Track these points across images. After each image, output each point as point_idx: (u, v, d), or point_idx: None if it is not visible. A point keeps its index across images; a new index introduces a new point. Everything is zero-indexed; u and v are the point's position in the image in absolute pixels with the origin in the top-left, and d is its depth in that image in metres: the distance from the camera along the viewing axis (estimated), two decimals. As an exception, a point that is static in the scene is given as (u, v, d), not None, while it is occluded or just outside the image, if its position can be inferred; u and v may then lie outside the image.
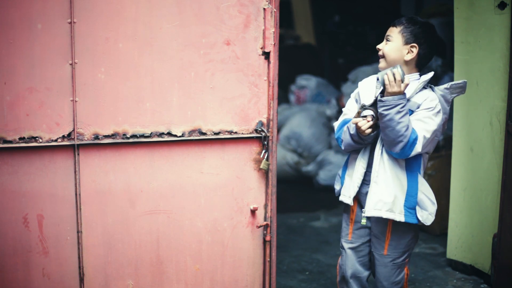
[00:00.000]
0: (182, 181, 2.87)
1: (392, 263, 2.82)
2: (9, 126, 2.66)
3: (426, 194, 2.76)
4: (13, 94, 2.64)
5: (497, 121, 3.51)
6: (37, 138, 2.70)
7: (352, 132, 2.73)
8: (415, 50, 2.75)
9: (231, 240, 2.96)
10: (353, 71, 6.40)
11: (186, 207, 2.89)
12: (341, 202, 2.90)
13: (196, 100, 2.83)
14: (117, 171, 2.80)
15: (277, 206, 3.01)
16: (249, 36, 2.84)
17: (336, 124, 2.91)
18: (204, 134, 2.86)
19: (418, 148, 2.64)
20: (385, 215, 2.71)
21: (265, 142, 2.90)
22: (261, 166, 2.90)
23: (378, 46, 2.79)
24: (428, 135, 2.66)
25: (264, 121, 2.91)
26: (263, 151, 2.91)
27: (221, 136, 2.88)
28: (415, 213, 2.73)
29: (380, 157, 2.73)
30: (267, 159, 2.91)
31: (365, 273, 2.90)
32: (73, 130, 2.73)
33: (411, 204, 2.72)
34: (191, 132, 2.85)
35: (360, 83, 2.86)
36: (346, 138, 2.78)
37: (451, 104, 2.84)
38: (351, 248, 2.89)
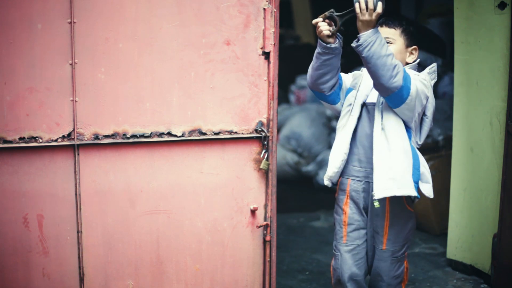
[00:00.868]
0: (182, 181, 2.87)
1: (391, 257, 2.82)
2: (9, 126, 2.66)
3: (425, 166, 2.76)
4: (13, 94, 2.64)
5: (497, 121, 3.51)
6: (37, 138, 2.70)
7: (317, 47, 2.71)
8: (415, 53, 2.76)
9: (231, 240, 2.96)
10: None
11: (186, 207, 2.89)
12: (341, 202, 2.90)
13: (196, 100, 2.83)
14: (117, 171, 2.80)
15: (277, 206, 3.01)
16: (249, 36, 2.84)
17: None
18: (204, 134, 2.86)
19: (413, 86, 2.60)
20: (398, 192, 2.67)
21: (265, 142, 2.90)
22: (261, 166, 2.90)
23: None
24: (418, 85, 2.64)
25: (264, 121, 2.91)
26: (263, 151, 2.91)
27: (221, 136, 2.88)
28: (417, 187, 2.73)
29: (381, 132, 2.69)
30: (267, 159, 2.91)
31: (362, 275, 2.88)
32: (73, 130, 2.73)
33: (416, 178, 2.71)
34: (191, 132, 2.85)
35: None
36: (312, 62, 2.76)
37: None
38: (347, 251, 2.86)
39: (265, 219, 2.98)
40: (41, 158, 2.71)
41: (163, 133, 2.82)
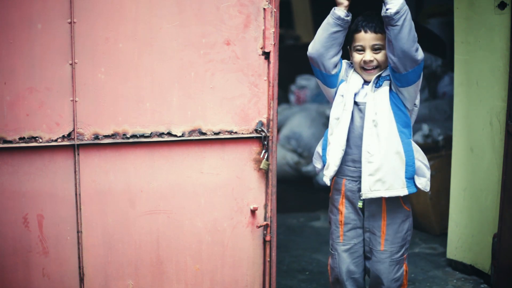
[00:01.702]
0: (182, 181, 2.87)
1: (390, 258, 2.81)
2: (9, 126, 2.66)
3: (421, 160, 2.74)
4: (13, 94, 2.64)
5: (497, 121, 3.51)
6: (37, 138, 2.70)
7: (327, 18, 2.69)
8: None
9: (231, 240, 2.96)
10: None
11: (186, 207, 2.89)
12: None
13: (196, 100, 2.83)
14: (117, 171, 2.80)
15: (277, 206, 3.01)
16: (249, 36, 2.84)
17: None
18: (204, 134, 2.86)
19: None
20: (385, 194, 2.68)
21: (265, 142, 2.90)
22: (261, 166, 2.90)
23: (368, 58, 2.72)
24: None
25: (264, 121, 2.91)
26: (263, 151, 2.91)
27: (221, 136, 2.88)
28: (413, 182, 2.73)
29: (372, 130, 2.68)
30: (267, 159, 2.91)
31: (360, 273, 2.88)
32: (73, 130, 2.73)
33: (410, 174, 2.71)
34: (191, 132, 2.85)
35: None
36: (319, 30, 2.73)
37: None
38: (344, 251, 2.87)
39: (265, 219, 2.98)
40: (41, 158, 2.71)
41: (163, 133, 2.82)
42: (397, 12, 2.52)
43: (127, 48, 2.73)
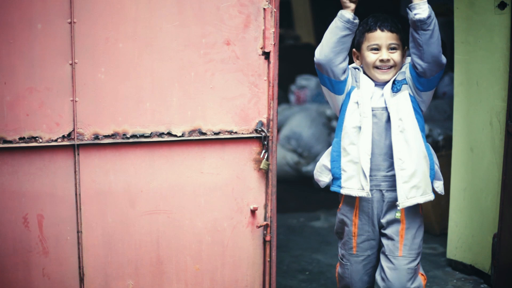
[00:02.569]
0: (182, 181, 2.87)
1: (407, 266, 2.71)
2: (9, 126, 2.66)
3: (437, 163, 2.73)
4: (13, 94, 2.64)
5: (497, 121, 3.51)
6: (37, 138, 2.70)
7: (335, 22, 2.61)
8: (406, 52, 2.76)
9: (231, 240, 2.96)
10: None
11: (186, 207, 2.89)
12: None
13: (196, 100, 2.83)
14: (117, 171, 2.80)
15: (277, 206, 3.01)
16: (249, 36, 2.84)
17: None
18: (204, 134, 2.86)
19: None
20: (421, 199, 2.66)
21: (265, 142, 2.90)
22: (261, 166, 2.90)
23: (385, 57, 2.66)
24: None
25: (264, 121, 2.91)
26: (263, 151, 2.91)
27: (221, 136, 2.88)
28: (432, 186, 2.72)
29: (399, 136, 2.62)
30: (267, 159, 2.91)
31: (373, 282, 2.85)
32: (73, 130, 2.73)
33: (432, 177, 2.70)
34: (191, 132, 2.85)
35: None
36: (326, 34, 2.65)
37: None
38: (358, 262, 2.81)
39: (265, 219, 2.98)
40: (41, 158, 2.71)
41: (163, 133, 2.82)
42: (429, 16, 2.50)
43: (127, 48, 2.73)
